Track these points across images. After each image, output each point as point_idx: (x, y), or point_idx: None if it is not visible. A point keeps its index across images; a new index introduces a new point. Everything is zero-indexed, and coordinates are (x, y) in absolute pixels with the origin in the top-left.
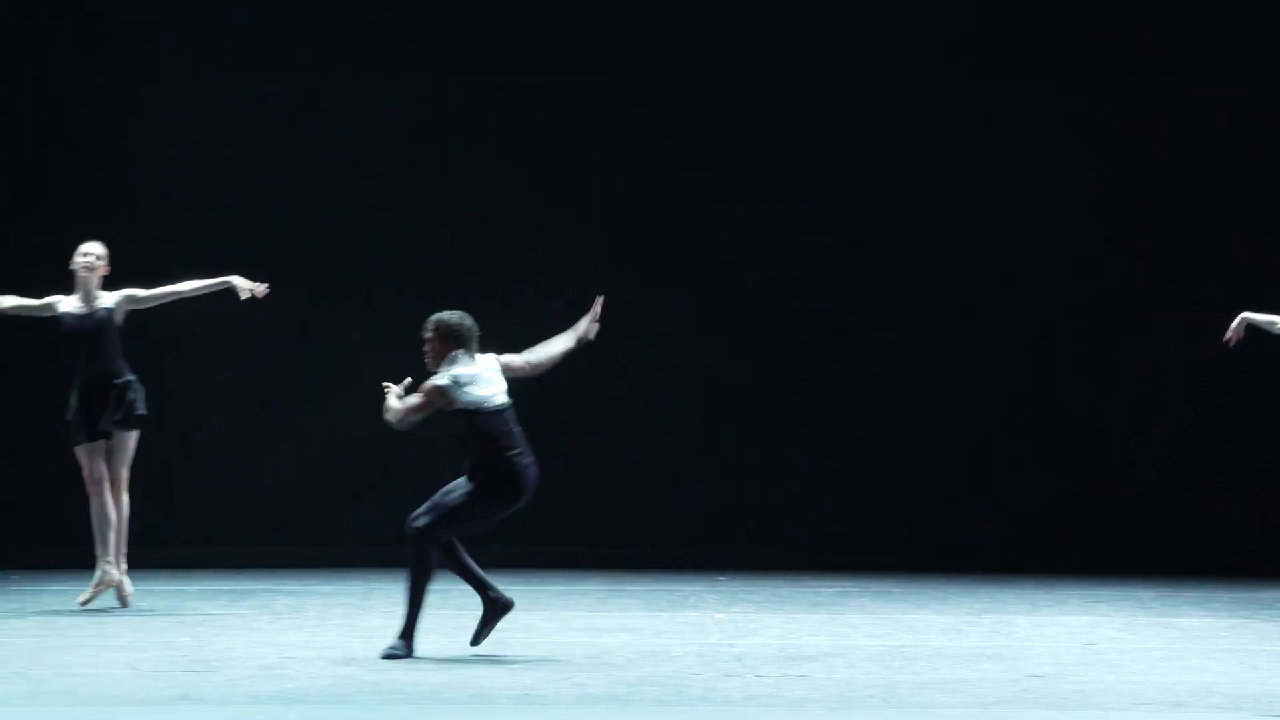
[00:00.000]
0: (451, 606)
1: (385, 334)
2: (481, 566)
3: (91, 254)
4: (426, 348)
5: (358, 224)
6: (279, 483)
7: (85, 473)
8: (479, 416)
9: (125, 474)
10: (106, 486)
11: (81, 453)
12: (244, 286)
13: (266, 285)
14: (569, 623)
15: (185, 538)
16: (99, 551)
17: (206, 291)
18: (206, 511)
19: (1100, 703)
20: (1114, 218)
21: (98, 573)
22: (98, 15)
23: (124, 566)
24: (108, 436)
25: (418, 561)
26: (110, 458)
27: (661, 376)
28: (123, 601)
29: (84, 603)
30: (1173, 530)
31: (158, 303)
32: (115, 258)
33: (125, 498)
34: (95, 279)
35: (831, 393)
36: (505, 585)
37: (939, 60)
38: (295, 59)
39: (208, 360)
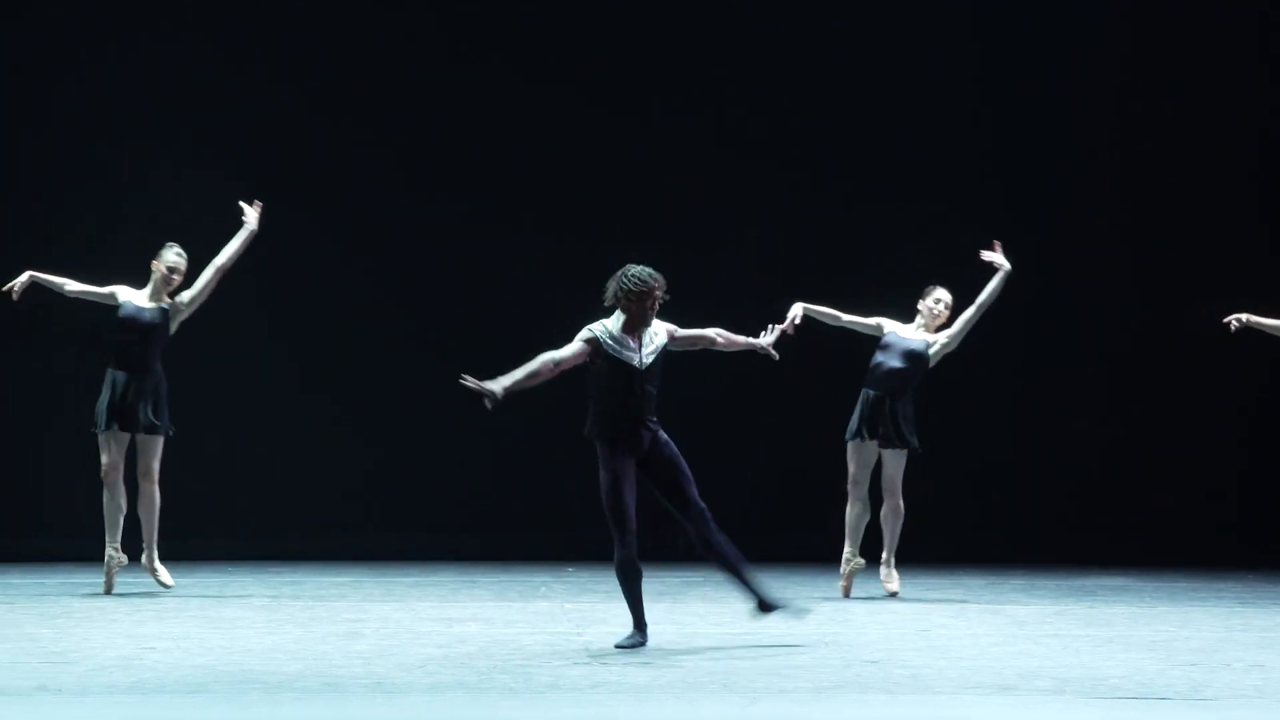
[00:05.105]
0: (307, 598)
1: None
2: (334, 559)
3: (179, 266)
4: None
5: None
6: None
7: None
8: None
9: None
10: (119, 477)
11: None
12: (252, 216)
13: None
14: (422, 613)
15: (49, 531)
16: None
17: (241, 250)
18: (69, 505)
19: (931, 686)
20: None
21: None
22: None
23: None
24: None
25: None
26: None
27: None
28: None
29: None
30: (1000, 521)
31: (205, 295)
32: None
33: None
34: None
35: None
36: (358, 579)
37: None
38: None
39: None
